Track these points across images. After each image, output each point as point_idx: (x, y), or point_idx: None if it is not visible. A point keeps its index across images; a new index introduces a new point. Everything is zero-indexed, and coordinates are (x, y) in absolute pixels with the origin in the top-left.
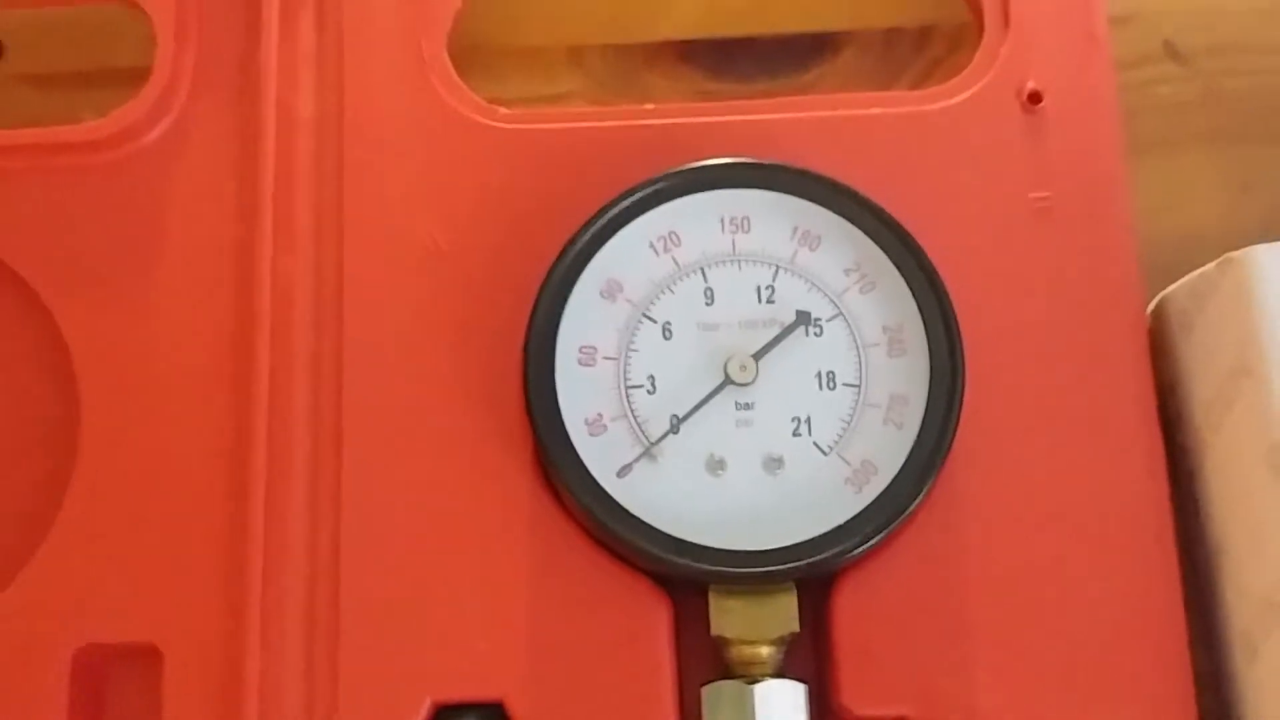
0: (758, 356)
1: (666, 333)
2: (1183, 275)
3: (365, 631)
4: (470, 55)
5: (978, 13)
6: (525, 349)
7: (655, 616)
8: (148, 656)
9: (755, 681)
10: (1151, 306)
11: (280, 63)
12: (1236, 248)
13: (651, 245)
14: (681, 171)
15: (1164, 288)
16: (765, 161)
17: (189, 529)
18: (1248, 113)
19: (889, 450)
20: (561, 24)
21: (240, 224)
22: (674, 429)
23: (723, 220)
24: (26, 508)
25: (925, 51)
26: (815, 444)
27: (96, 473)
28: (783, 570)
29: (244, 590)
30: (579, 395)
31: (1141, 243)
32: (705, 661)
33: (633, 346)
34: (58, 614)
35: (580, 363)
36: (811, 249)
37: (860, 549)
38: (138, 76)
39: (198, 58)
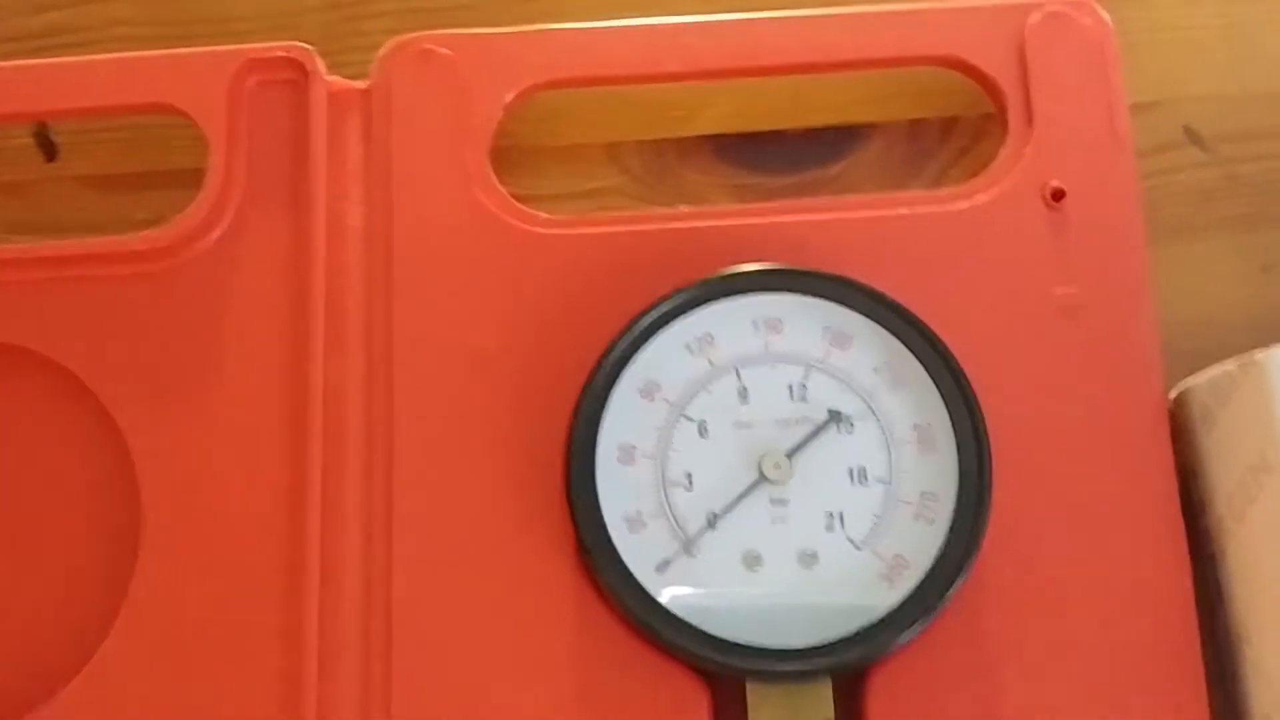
0: (791, 454)
1: (703, 431)
2: (1205, 357)
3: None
4: (511, 153)
5: (1001, 110)
6: (567, 448)
7: (694, 704)
8: None
9: None
10: (1174, 395)
11: (330, 173)
12: (1258, 329)
13: (687, 346)
14: (716, 279)
15: (1187, 369)
16: (796, 268)
17: (246, 624)
18: (1267, 196)
19: (920, 545)
20: (599, 122)
21: (293, 328)
22: (711, 525)
23: (755, 323)
24: (91, 605)
25: (950, 142)
26: (848, 538)
27: (157, 570)
28: (817, 667)
29: (300, 686)
30: (619, 492)
31: (1164, 326)
32: None
33: (671, 445)
34: (121, 705)
35: (620, 461)
36: (842, 349)
37: (893, 645)
38: (191, 179)
39: (249, 167)
